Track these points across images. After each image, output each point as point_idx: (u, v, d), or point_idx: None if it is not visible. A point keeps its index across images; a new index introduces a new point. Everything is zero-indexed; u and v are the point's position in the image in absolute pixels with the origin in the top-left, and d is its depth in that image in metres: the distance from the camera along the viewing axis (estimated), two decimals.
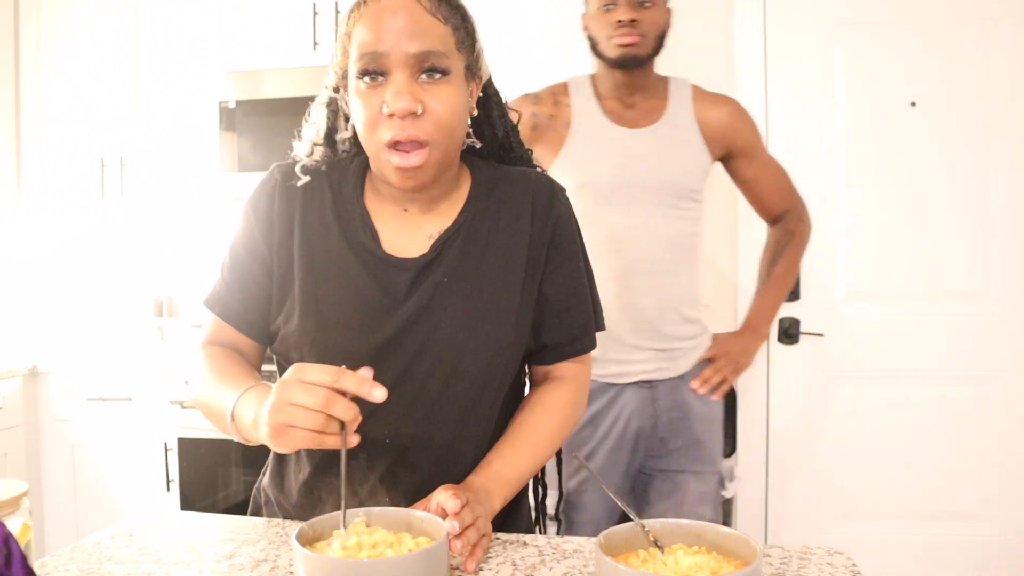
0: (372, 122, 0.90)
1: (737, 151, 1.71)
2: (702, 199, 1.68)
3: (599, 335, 1.08)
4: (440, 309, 0.96)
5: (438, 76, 0.89)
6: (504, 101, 1.07)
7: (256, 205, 1.02)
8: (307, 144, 1.03)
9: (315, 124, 1.03)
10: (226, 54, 2.82)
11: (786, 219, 1.79)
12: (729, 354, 1.71)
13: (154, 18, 2.91)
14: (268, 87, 2.71)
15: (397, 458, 0.96)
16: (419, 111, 0.88)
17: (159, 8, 2.90)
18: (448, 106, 0.90)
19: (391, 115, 0.88)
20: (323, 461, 0.99)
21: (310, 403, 0.73)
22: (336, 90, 0.99)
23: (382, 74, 0.89)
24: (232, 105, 2.75)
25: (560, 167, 1.62)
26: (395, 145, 0.89)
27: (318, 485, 0.99)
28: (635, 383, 1.65)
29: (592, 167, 1.61)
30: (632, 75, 1.64)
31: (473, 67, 0.96)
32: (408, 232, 1.00)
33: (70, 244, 3.19)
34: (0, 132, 3.05)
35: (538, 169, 1.10)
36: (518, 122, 1.10)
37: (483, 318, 0.97)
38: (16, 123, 3.10)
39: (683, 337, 1.68)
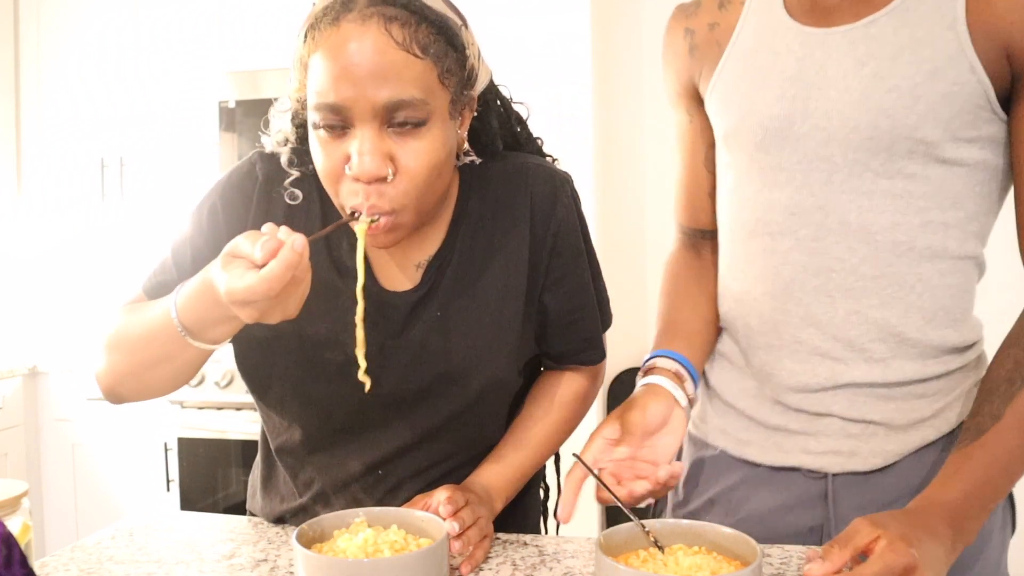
0: (334, 178, 0.78)
1: None
2: (969, 159, 0.86)
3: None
4: (435, 347, 0.89)
5: (411, 127, 0.76)
6: (509, 98, 0.97)
7: (228, 200, 0.90)
8: (284, 156, 0.91)
9: (280, 135, 0.91)
10: (226, 54, 2.82)
11: None
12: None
13: (154, 18, 2.91)
14: (268, 87, 2.71)
15: (391, 491, 0.95)
16: (389, 176, 0.76)
17: (159, 8, 2.90)
18: (425, 162, 0.77)
19: (356, 179, 0.76)
20: (315, 495, 0.97)
21: (267, 286, 0.67)
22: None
23: (344, 127, 0.76)
24: (232, 105, 2.75)
25: (710, 107, 1.00)
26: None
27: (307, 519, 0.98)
28: (789, 469, 0.95)
29: (744, 101, 0.94)
30: None
31: (462, 97, 0.82)
32: (395, 260, 0.91)
33: (70, 244, 3.19)
34: (0, 132, 3.05)
35: (548, 159, 0.99)
36: (527, 117, 0.99)
37: (480, 354, 0.90)
38: (16, 123, 3.10)
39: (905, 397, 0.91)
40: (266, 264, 0.67)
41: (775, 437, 0.95)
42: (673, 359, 0.94)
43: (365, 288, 0.79)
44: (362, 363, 0.78)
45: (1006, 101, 0.85)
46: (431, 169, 0.78)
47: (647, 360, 0.96)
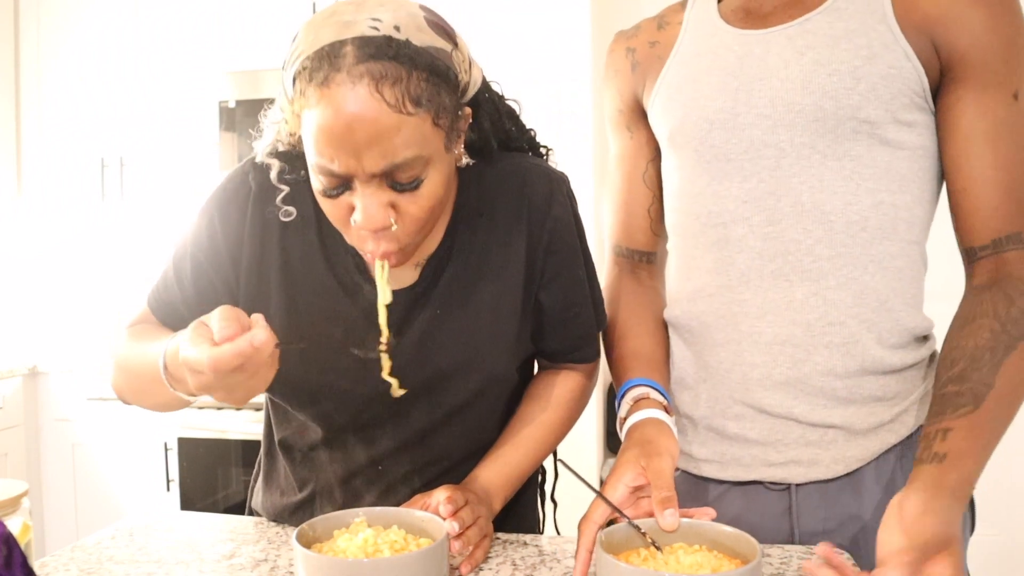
0: (342, 224, 0.80)
1: (954, 67, 0.85)
2: (910, 143, 0.88)
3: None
4: (433, 344, 0.90)
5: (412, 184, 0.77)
6: (500, 95, 0.94)
7: (225, 212, 0.91)
8: (275, 168, 0.90)
9: (271, 147, 0.90)
10: (226, 54, 2.82)
11: (1007, 262, 0.86)
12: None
13: (154, 18, 2.91)
14: (268, 87, 2.71)
15: (390, 486, 0.96)
16: (393, 226, 0.77)
17: (159, 8, 2.90)
18: (427, 205, 0.78)
19: (362, 229, 0.78)
20: (315, 489, 0.98)
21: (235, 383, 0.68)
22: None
23: (345, 184, 0.76)
24: (232, 105, 2.75)
25: (653, 113, 1.03)
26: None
27: (308, 513, 0.98)
28: (751, 483, 0.95)
29: (688, 99, 0.96)
30: None
31: (457, 123, 0.81)
32: None
33: (70, 244, 3.19)
34: (0, 132, 3.05)
35: (543, 151, 1.00)
36: (520, 112, 0.98)
37: (478, 351, 0.91)
38: (16, 123, 3.10)
39: (870, 398, 0.91)
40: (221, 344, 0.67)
41: (733, 449, 0.94)
42: (658, 391, 0.93)
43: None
44: (395, 390, 0.82)
45: (936, 94, 0.88)
46: (433, 209, 0.80)
47: (632, 385, 0.94)
